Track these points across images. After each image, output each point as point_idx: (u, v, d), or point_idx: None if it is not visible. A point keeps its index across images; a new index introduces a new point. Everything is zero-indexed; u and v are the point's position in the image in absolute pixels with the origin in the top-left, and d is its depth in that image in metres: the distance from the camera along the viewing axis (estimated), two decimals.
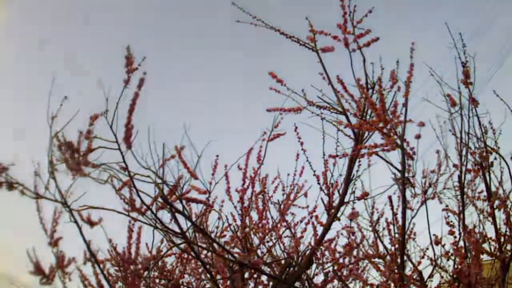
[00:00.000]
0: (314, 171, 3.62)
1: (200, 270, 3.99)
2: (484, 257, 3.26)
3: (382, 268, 3.47)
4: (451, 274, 3.13)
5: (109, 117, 2.78)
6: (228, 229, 3.80)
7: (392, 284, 3.03)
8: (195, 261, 3.83)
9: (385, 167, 3.20)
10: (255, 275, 3.72)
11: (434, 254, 3.21)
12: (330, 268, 3.55)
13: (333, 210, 3.44)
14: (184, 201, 3.16)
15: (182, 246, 3.41)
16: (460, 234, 3.05)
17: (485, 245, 3.28)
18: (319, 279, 3.73)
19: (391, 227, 3.61)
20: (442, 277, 3.36)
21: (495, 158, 3.44)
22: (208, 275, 3.64)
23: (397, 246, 3.38)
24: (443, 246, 2.99)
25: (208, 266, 3.57)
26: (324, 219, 3.60)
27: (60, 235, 3.42)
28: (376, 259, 3.58)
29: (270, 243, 3.88)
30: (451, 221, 3.07)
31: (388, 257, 3.47)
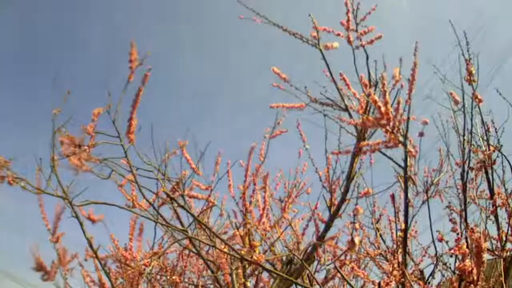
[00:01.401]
0: (316, 168, 3.62)
1: (201, 266, 3.99)
2: (486, 255, 3.25)
3: (383, 265, 3.47)
4: (453, 271, 3.13)
5: (112, 112, 2.78)
6: (230, 225, 3.80)
7: (394, 282, 3.02)
8: (197, 257, 3.84)
9: (387, 164, 3.20)
10: (256, 272, 3.72)
11: (436, 252, 3.20)
12: (332, 265, 3.56)
13: (334, 207, 3.45)
14: (186, 197, 3.16)
15: (183, 242, 3.41)
16: (462, 232, 3.05)
17: (487, 244, 3.27)
18: (320, 275, 3.74)
19: (393, 225, 3.60)
20: (443, 275, 3.36)
21: (498, 157, 3.43)
22: (210, 271, 3.64)
23: (398, 244, 3.37)
24: (446, 242, 2.98)
25: (209, 262, 3.57)
26: (325, 216, 3.61)
27: (62, 231, 3.43)
28: (378, 257, 3.58)
29: (272, 240, 3.88)
30: (454, 218, 3.06)
31: (389, 255, 3.47)
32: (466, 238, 2.76)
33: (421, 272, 3.56)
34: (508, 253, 3.22)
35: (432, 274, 3.45)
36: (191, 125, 3.31)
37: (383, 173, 3.50)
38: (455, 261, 3.07)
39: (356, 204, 3.18)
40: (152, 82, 2.80)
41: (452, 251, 2.38)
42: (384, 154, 3.01)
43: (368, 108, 3.29)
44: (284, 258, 3.67)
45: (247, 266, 3.49)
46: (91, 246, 3.34)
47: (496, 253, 3.25)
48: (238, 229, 3.70)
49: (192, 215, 2.87)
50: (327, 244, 3.59)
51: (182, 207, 2.90)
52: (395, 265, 2.95)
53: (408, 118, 3.08)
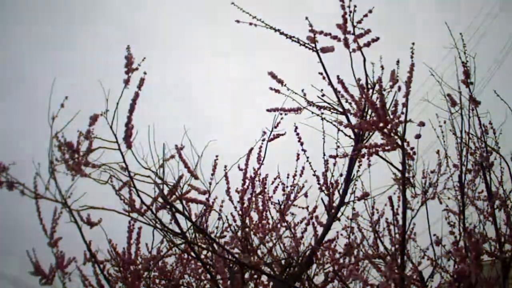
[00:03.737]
0: (315, 171, 3.62)
1: (200, 270, 3.99)
2: (485, 257, 3.26)
3: (382, 268, 3.47)
4: (451, 274, 3.13)
5: (109, 117, 2.78)
6: (228, 229, 3.80)
7: (393, 285, 3.02)
8: (195, 261, 3.84)
9: (385, 167, 3.20)
10: (255, 276, 3.72)
11: (435, 255, 3.20)
12: (330, 268, 3.56)
13: (333, 210, 3.45)
14: (184, 202, 3.16)
15: (182, 246, 3.40)
16: (460, 234, 3.05)
17: (486, 245, 3.28)
18: (319, 279, 3.74)
19: (391, 227, 3.60)
20: (442, 277, 3.36)
21: (495, 158, 3.44)
22: (208, 276, 3.64)
23: (397, 246, 3.37)
24: (443, 246, 2.98)
25: (208, 267, 3.57)
26: (324, 219, 3.61)
27: (60, 235, 3.43)
28: (377, 259, 3.58)
29: (270, 244, 3.88)
30: (452, 221, 3.06)
31: (388, 257, 3.47)
32: (464, 241, 2.77)
33: (420, 274, 3.56)
34: (507, 255, 3.23)
35: (431, 276, 3.45)
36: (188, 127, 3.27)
37: (381, 175, 3.50)
38: (454, 265, 3.07)
39: (353, 208, 3.19)
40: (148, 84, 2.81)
41: (450, 254, 2.39)
42: (382, 157, 3.01)
43: (365, 111, 3.29)
44: (283, 261, 3.67)
45: (245, 270, 3.49)
46: (89, 250, 3.34)
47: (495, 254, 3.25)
48: (236, 232, 3.70)
49: (190, 220, 2.87)
50: (325, 247, 3.59)
51: (180, 212, 2.90)
52: (394, 268, 2.95)
53: (406, 120, 3.08)
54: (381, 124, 2.94)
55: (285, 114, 3.53)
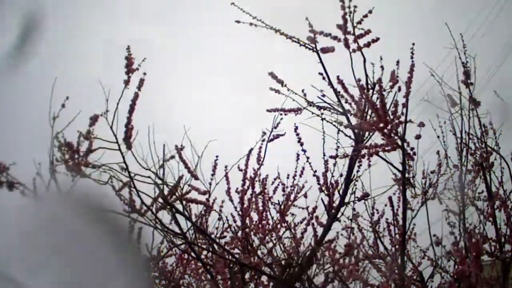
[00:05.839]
0: (315, 172, 3.62)
1: (200, 271, 3.99)
2: (485, 257, 3.26)
3: (382, 268, 3.47)
4: (451, 274, 3.14)
5: (109, 117, 2.79)
6: (228, 230, 3.80)
7: (393, 285, 3.03)
8: (195, 262, 3.84)
9: (385, 167, 3.20)
10: (255, 276, 3.72)
11: (435, 255, 3.21)
12: (331, 269, 3.55)
13: (333, 211, 3.45)
14: (184, 202, 3.16)
15: (182, 246, 3.41)
16: (460, 234, 3.05)
17: (486, 246, 3.28)
18: (319, 279, 3.73)
19: (392, 227, 3.61)
20: (442, 277, 3.37)
21: (495, 159, 3.45)
22: (209, 276, 3.64)
23: (397, 246, 3.38)
24: (443, 247, 2.99)
25: (208, 267, 3.57)
26: (324, 219, 3.61)
27: None
28: (377, 260, 3.58)
29: (271, 244, 3.87)
30: (452, 222, 3.07)
31: (388, 258, 3.47)
32: (464, 241, 2.78)
33: (420, 274, 3.56)
34: (507, 255, 3.24)
35: (431, 276, 3.46)
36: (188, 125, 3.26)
37: (381, 176, 3.50)
38: (454, 265, 3.08)
39: (353, 208, 3.19)
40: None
41: (450, 255, 2.39)
42: (382, 158, 3.02)
43: (366, 111, 3.28)
44: (283, 262, 3.67)
45: (245, 270, 3.50)
46: None
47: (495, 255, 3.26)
48: (236, 233, 3.70)
49: (191, 221, 2.87)
50: (325, 248, 3.58)
51: (180, 213, 2.90)
52: (394, 268, 2.96)
53: (406, 121, 3.08)
54: (381, 125, 2.95)
55: (285, 115, 3.53)
